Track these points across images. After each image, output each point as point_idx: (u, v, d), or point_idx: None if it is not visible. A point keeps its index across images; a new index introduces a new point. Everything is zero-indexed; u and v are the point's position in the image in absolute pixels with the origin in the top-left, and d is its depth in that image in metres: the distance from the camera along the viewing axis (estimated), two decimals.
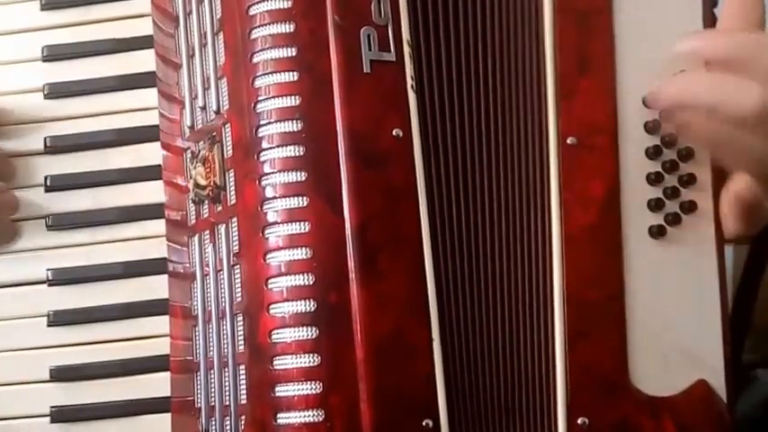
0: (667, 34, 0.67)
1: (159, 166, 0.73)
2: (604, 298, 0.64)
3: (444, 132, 0.66)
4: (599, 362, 0.63)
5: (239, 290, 0.65)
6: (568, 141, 0.65)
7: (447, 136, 0.66)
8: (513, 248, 0.66)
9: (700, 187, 0.67)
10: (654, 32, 0.68)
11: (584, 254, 0.64)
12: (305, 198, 0.62)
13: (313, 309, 0.61)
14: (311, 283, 0.61)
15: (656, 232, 0.66)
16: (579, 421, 0.62)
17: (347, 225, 0.62)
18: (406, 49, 0.65)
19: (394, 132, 0.63)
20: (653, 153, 0.67)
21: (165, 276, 0.72)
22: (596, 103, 0.66)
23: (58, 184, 0.74)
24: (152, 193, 0.73)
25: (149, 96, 0.75)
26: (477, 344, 0.64)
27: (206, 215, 0.69)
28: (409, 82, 0.64)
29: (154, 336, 0.71)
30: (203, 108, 0.70)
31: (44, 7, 0.76)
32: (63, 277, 0.72)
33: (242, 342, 0.64)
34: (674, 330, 0.65)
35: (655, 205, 0.66)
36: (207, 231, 0.69)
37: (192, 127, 0.71)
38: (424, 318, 0.61)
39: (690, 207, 0.67)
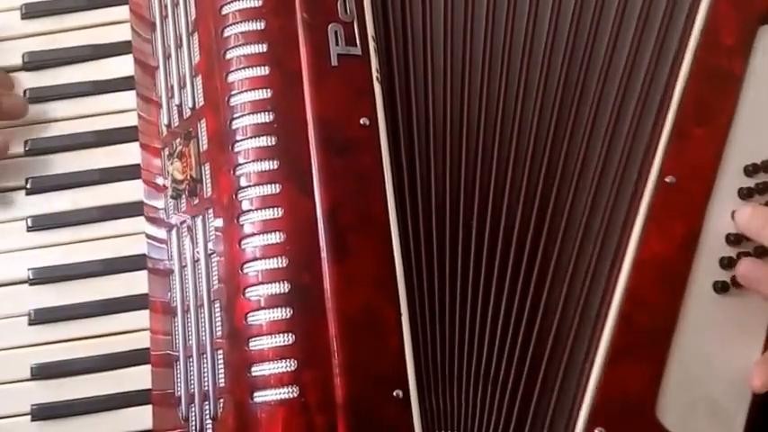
0: None
1: (137, 165, 0.76)
2: (655, 326, 0.66)
3: (412, 119, 0.69)
4: (633, 383, 0.65)
5: (216, 277, 0.67)
6: (667, 180, 0.69)
7: (414, 123, 0.69)
8: (500, 234, 0.68)
9: None
10: None
11: (648, 279, 0.67)
12: (277, 185, 0.65)
13: (287, 290, 0.63)
14: (285, 265, 0.63)
15: (720, 288, 0.68)
16: (596, 431, 0.64)
17: (318, 209, 0.64)
18: (371, 44, 0.68)
19: (361, 121, 0.66)
20: None
21: (145, 272, 0.73)
22: (703, 153, 0.70)
23: (38, 185, 0.75)
24: (131, 191, 0.75)
25: (127, 99, 0.77)
26: (452, 317, 0.66)
27: (183, 209, 0.71)
28: (375, 74, 0.68)
29: (134, 330, 0.72)
30: (179, 106, 0.72)
31: (24, 16, 0.79)
32: (44, 276, 0.73)
33: (219, 327, 0.66)
34: (709, 382, 0.67)
35: (727, 263, 0.69)
36: (184, 224, 0.71)
37: (168, 125, 0.74)
38: (392, 294, 0.64)
39: None
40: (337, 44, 0.67)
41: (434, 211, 0.68)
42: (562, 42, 0.73)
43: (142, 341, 0.72)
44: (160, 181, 0.74)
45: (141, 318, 0.73)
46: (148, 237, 0.74)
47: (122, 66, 0.78)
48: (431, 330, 0.66)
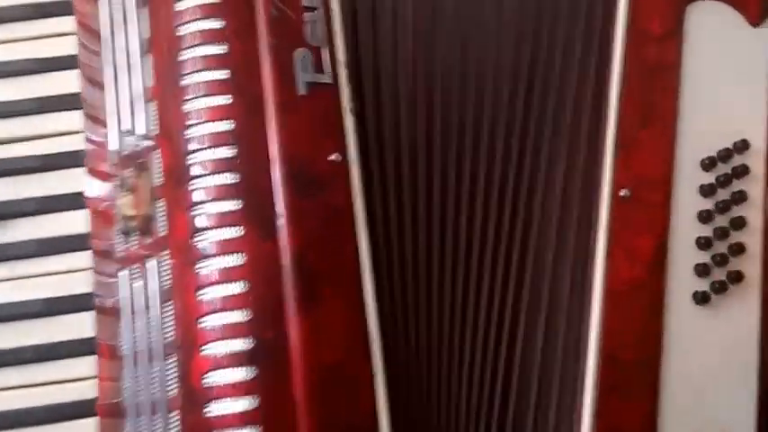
0: (731, 98, 0.67)
1: (83, 193, 0.70)
2: (641, 357, 0.62)
3: (387, 156, 0.64)
4: (628, 421, 0.61)
5: (171, 329, 0.61)
6: (621, 193, 0.64)
7: (391, 160, 0.64)
8: (481, 282, 0.64)
9: (749, 258, 0.66)
10: (717, 95, 0.67)
11: (624, 309, 0.63)
12: (240, 228, 0.59)
13: (249, 347, 0.58)
14: (247, 319, 0.58)
15: (700, 299, 0.64)
16: None
17: (284, 254, 0.59)
18: (343, 71, 0.63)
19: (332, 157, 0.61)
20: (705, 217, 0.66)
21: (91, 314, 0.68)
22: (654, 157, 0.65)
23: None
24: (76, 223, 0.69)
25: (73, 120, 0.71)
26: (429, 374, 0.62)
27: (135, 247, 0.66)
28: (346, 104, 0.62)
29: (79, 378, 0.67)
30: (130, 132, 0.66)
31: None
32: None
33: (174, 386, 0.60)
34: (708, 402, 0.64)
35: (702, 271, 0.65)
36: (136, 265, 0.65)
37: (118, 152, 0.68)
38: (365, 350, 0.59)
39: (737, 277, 0.66)
40: (305, 71, 0.62)
41: (411, 255, 0.63)
42: (515, 58, 0.67)
43: (89, 391, 0.66)
44: (109, 210, 0.68)
45: (88, 365, 0.67)
46: (96, 272, 0.68)
47: (69, 82, 0.71)
48: (408, 390, 0.61)
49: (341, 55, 0.63)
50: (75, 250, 0.69)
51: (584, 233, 0.65)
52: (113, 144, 0.67)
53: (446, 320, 0.63)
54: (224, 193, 0.59)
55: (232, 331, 0.58)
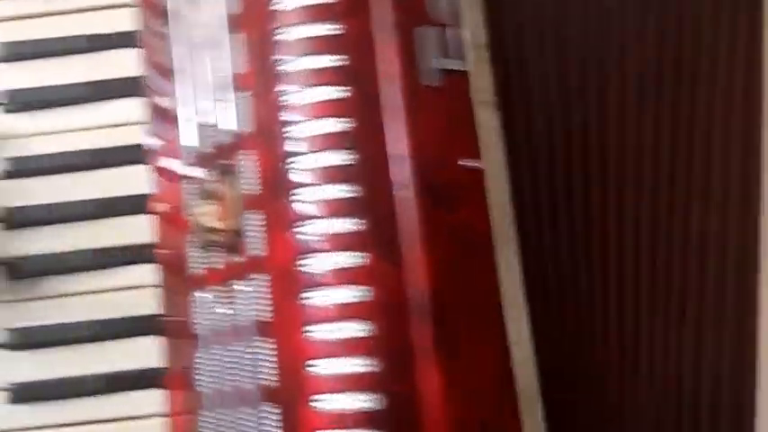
0: None
1: (146, 195, 0.62)
2: None
3: (534, 159, 0.54)
4: None
5: (269, 371, 0.51)
6: None
7: (548, 166, 0.54)
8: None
9: None
10: None
11: None
12: (361, 254, 0.49)
13: (373, 405, 0.47)
14: (369, 369, 0.48)
15: None
16: None
17: (415, 288, 0.49)
18: (482, 55, 0.52)
19: (473, 163, 0.50)
20: None
21: (156, 339, 0.60)
22: None
23: (18, 218, 0.62)
24: (137, 230, 0.62)
25: (132, 108, 0.64)
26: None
27: (218, 266, 0.56)
28: (486, 98, 0.52)
29: (144, 416, 0.60)
30: (213, 127, 0.56)
31: None
32: (25, 340, 0.61)
33: None
34: None
35: None
36: (220, 288, 0.55)
37: (193, 150, 0.58)
38: (518, 406, 0.49)
39: None
40: (437, 56, 0.51)
41: (569, 285, 0.53)
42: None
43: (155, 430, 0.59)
44: (179, 217, 0.59)
45: (155, 399, 0.60)
46: (164, 287, 0.60)
47: (127, 63, 0.64)
48: None
49: (480, 32, 0.52)
50: (136, 263, 0.61)
51: (745, 242, 0.55)
52: (188, 139, 0.58)
53: (611, 367, 0.53)
54: (339, 209, 0.49)
55: (350, 383, 0.48)
